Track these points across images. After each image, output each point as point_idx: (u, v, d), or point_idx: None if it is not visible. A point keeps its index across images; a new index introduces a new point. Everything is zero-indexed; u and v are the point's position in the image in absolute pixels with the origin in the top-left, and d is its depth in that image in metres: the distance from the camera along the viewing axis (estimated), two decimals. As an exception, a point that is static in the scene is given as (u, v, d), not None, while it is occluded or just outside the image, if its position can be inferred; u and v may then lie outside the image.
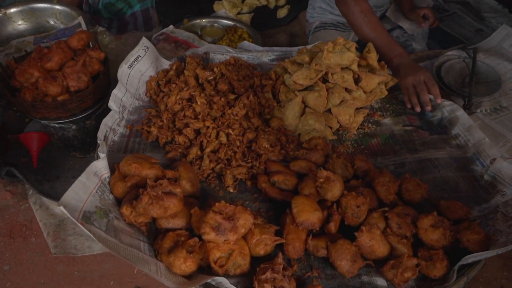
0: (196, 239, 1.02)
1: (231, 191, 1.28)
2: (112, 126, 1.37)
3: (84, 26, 1.94)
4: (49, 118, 1.42)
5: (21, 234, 1.50)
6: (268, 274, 0.97)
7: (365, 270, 1.08)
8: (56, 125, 1.48)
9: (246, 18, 2.55)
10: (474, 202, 1.24)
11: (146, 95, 1.55)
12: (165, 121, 1.40)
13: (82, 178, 1.09)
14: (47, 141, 1.62)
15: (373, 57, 1.51)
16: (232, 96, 1.47)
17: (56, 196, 1.49)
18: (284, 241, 1.07)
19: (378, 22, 1.66)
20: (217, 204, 1.04)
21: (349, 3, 1.66)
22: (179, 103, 1.44)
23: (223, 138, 1.34)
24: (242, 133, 1.37)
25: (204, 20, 2.37)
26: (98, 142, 1.25)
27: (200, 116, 1.38)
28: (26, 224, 1.52)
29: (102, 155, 1.17)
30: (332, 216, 1.12)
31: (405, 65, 1.59)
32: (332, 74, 1.44)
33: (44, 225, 1.49)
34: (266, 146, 1.34)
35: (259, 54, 1.78)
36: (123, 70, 1.45)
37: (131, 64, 1.48)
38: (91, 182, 1.11)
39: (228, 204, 1.04)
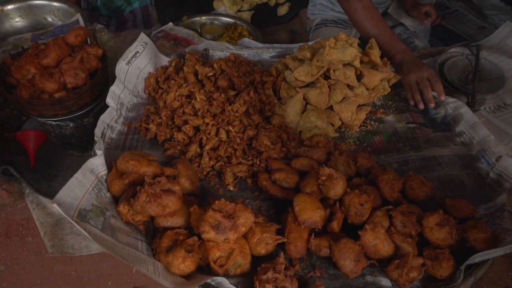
0: (195, 238, 1.00)
1: (231, 189, 1.26)
2: (109, 123, 1.35)
3: (82, 23, 1.92)
4: (46, 115, 1.40)
5: (17, 233, 1.49)
6: (270, 274, 0.95)
7: (369, 270, 1.06)
8: (53, 122, 1.46)
9: (246, 15, 2.54)
10: (480, 201, 1.22)
11: (144, 92, 1.53)
12: (164, 118, 1.38)
13: (78, 175, 1.06)
14: (44, 139, 1.60)
15: (375, 54, 1.49)
16: (232, 93, 1.45)
17: (53, 195, 1.42)
18: (285, 240, 1.05)
19: (381, 18, 1.64)
20: (217, 202, 1.02)
21: (351, 0, 1.64)
22: (178, 100, 1.42)
23: (223, 135, 1.32)
24: (242, 130, 1.34)
25: (203, 18, 2.35)
26: (95, 139, 1.23)
27: (199, 113, 1.36)
28: (23, 223, 1.51)
29: (99, 152, 1.15)
30: (334, 214, 1.09)
31: (408, 62, 1.57)
32: (334, 70, 1.42)
33: (41, 225, 1.48)
34: (267, 143, 1.31)
35: (259, 51, 1.76)
36: (121, 67, 1.43)
37: (129, 60, 1.46)
38: (87, 179, 1.09)
39: (228, 202, 1.02)
